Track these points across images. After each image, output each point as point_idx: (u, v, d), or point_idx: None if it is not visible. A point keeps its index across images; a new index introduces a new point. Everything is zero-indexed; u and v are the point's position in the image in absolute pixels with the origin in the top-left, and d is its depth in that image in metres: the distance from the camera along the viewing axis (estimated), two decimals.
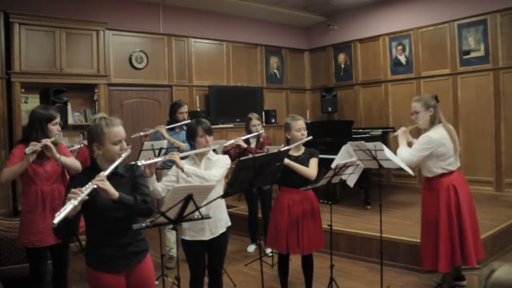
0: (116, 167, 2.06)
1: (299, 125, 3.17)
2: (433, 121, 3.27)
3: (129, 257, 2.09)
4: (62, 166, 2.96)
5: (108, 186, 1.88)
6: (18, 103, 4.86)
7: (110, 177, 1.95)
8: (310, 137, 3.20)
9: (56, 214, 1.66)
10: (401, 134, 3.44)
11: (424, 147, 3.21)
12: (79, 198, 1.74)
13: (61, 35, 5.19)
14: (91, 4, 5.74)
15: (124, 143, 2.09)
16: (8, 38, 4.86)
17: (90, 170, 2.05)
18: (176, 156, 2.64)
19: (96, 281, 2.06)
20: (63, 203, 1.75)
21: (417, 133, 3.62)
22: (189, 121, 4.19)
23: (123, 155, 2.06)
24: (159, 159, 2.57)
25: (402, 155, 3.32)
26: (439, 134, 3.21)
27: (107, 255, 2.04)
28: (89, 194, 1.80)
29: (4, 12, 4.82)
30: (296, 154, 3.20)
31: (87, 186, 1.82)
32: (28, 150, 2.66)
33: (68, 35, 5.25)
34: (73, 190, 1.80)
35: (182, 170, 2.63)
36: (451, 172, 3.25)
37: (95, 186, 1.83)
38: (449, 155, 3.22)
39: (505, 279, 1.06)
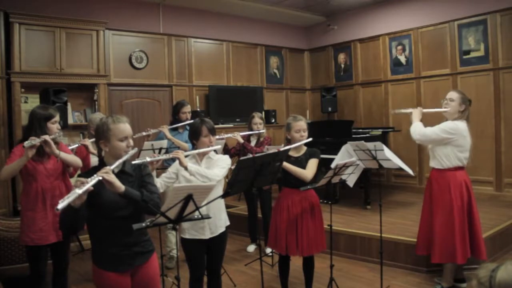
0: (124, 165, 2.08)
1: (299, 126, 3.11)
2: (459, 117, 3.35)
3: (134, 257, 2.10)
4: (62, 162, 2.97)
5: (113, 178, 1.90)
6: (18, 103, 4.86)
7: (118, 175, 1.98)
8: (310, 139, 3.16)
9: (60, 201, 1.67)
10: (418, 112, 3.48)
11: (448, 130, 3.28)
12: (84, 188, 1.76)
13: (61, 35, 5.19)
14: (91, 4, 5.74)
15: (131, 141, 2.10)
16: (8, 38, 4.86)
17: (97, 169, 2.04)
18: (180, 154, 2.65)
19: (101, 280, 2.07)
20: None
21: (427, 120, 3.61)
22: (192, 121, 4.19)
23: (130, 152, 2.08)
24: (165, 156, 2.58)
25: (421, 128, 3.36)
26: (464, 127, 3.32)
27: (111, 254, 2.04)
28: (95, 191, 1.82)
29: (4, 12, 4.82)
30: (296, 155, 3.17)
31: (92, 177, 1.84)
32: (26, 143, 2.66)
33: (68, 35, 5.24)
34: (78, 179, 1.83)
35: (186, 168, 2.64)
36: (463, 168, 3.36)
37: (100, 178, 1.85)
38: (466, 149, 3.34)
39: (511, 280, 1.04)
